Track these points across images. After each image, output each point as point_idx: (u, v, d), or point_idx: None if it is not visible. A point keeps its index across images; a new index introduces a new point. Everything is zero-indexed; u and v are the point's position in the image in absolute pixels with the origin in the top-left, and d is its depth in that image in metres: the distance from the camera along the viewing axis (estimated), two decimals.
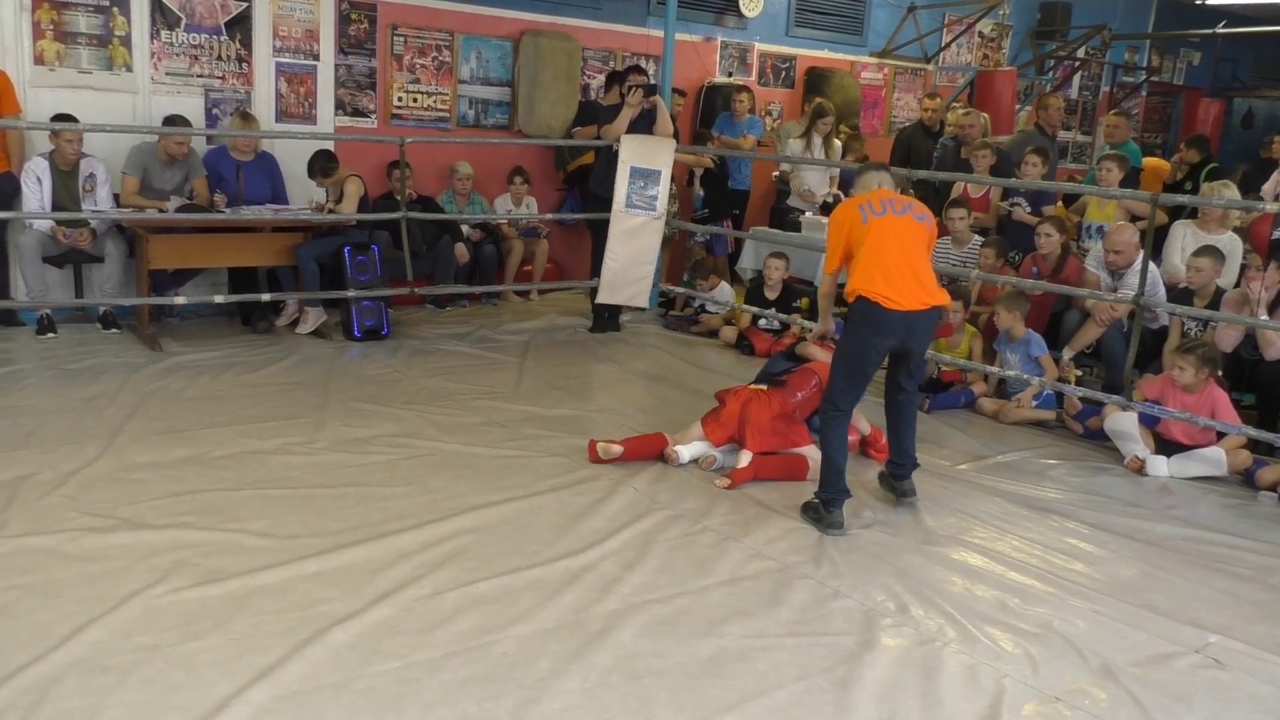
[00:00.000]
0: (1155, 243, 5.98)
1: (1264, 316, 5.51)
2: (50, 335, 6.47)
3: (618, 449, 4.81)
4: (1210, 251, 5.95)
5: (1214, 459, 5.20)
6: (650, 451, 4.91)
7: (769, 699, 3.00)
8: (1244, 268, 6.40)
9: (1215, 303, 5.85)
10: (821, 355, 5.10)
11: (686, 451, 4.89)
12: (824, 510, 4.28)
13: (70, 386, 5.51)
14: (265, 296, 6.83)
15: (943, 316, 4.51)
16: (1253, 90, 14.54)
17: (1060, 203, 7.72)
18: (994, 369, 6.10)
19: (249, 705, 2.79)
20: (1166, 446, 5.34)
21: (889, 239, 4.27)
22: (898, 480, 4.62)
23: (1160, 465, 5.24)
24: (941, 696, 3.07)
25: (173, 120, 6.80)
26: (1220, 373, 5.36)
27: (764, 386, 4.98)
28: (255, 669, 2.95)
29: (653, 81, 8.03)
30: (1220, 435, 5.27)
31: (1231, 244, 6.48)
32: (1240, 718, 3.10)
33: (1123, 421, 5.42)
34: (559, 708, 2.88)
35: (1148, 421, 5.42)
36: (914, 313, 4.22)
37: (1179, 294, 6.00)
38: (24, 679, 2.84)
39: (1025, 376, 5.95)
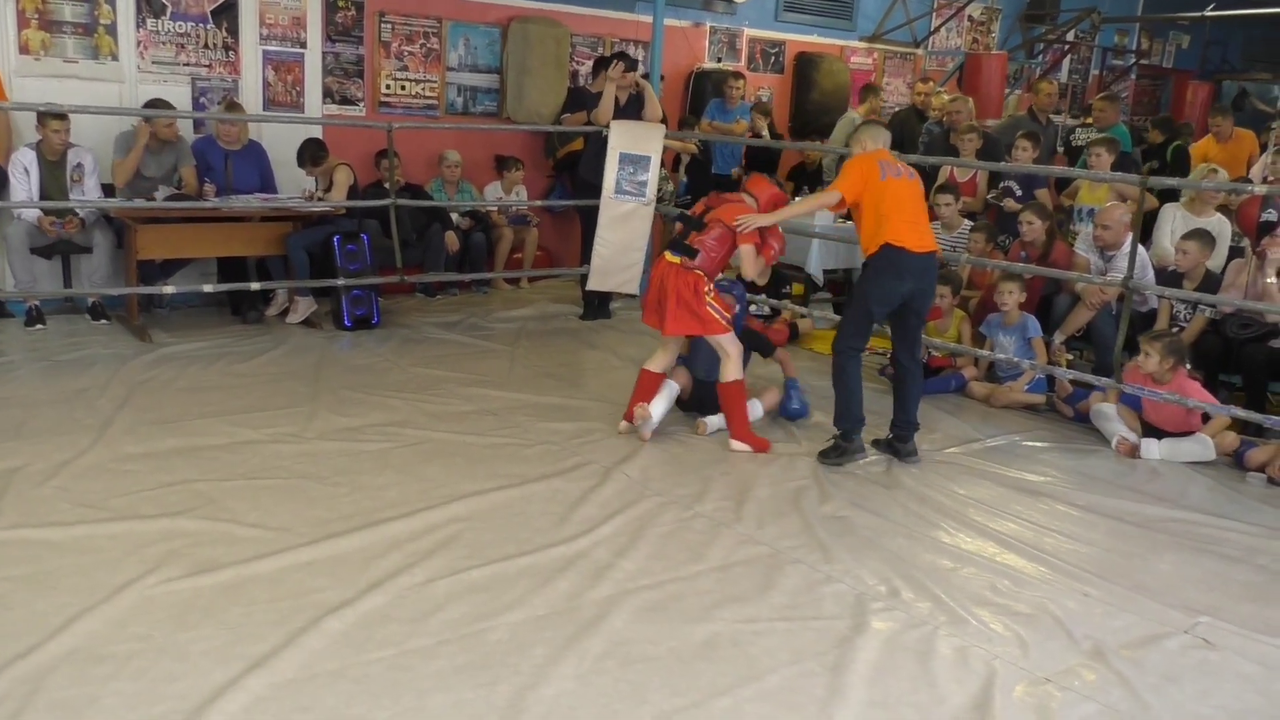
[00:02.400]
0: (1145, 225, 6.00)
1: (1273, 279, 5.56)
2: (39, 327, 6.45)
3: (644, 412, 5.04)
4: (1199, 235, 5.97)
5: (1202, 443, 5.22)
6: (651, 386, 5.09)
7: (762, 683, 3.02)
8: (1236, 249, 6.43)
9: (1204, 285, 5.87)
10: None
11: (655, 411, 5.02)
12: (844, 441, 4.85)
13: (60, 378, 5.50)
14: (255, 286, 6.81)
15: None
16: (1242, 73, 14.56)
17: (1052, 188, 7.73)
18: (985, 352, 6.11)
19: (245, 694, 2.80)
20: (1153, 433, 5.36)
21: (905, 197, 4.77)
22: (901, 443, 4.97)
23: (1152, 448, 5.27)
24: (933, 679, 3.10)
25: (155, 104, 6.75)
26: (1189, 365, 5.38)
27: (678, 259, 4.89)
28: (250, 658, 2.96)
29: (635, 59, 8.02)
30: (1205, 420, 5.30)
31: (1220, 226, 6.51)
32: (1229, 697, 3.12)
33: (1104, 407, 5.48)
34: (553, 694, 2.89)
35: (1135, 404, 5.45)
36: (928, 254, 4.77)
37: (1168, 277, 6.02)
38: (19, 669, 2.85)
39: (1016, 360, 5.97)
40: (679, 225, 5.04)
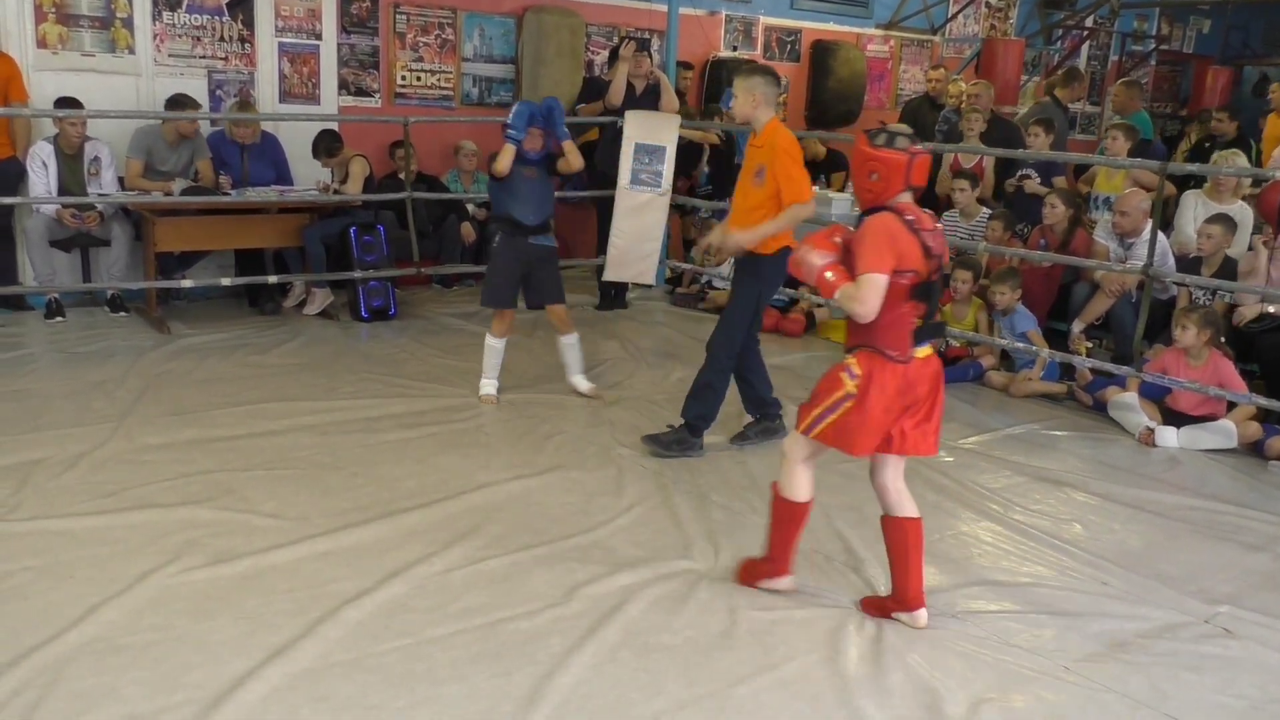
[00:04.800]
0: (1165, 212, 5.96)
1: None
2: (59, 319, 6.49)
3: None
4: (1223, 219, 5.93)
5: (1225, 431, 5.18)
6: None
7: (779, 672, 3.01)
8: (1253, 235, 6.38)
9: (1223, 271, 5.82)
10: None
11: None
12: (692, 434, 4.71)
13: (79, 370, 5.53)
14: (272, 278, 6.83)
15: None
16: (1263, 58, 14.39)
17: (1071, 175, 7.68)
18: (1002, 341, 6.08)
19: (262, 683, 2.81)
20: (1175, 418, 5.32)
21: None
22: (773, 420, 4.91)
23: (1170, 436, 5.23)
24: (951, 667, 3.08)
25: (177, 100, 6.78)
26: (1223, 339, 5.35)
27: (930, 349, 3.27)
28: (268, 648, 2.97)
29: (645, 36, 8.00)
30: (1230, 407, 5.26)
31: (1242, 213, 6.45)
32: (1250, 686, 3.10)
33: (1124, 397, 5.43)
34: (570, 683, 2.90)
35: (1155, 394, 5.41)
36: None
37: (1188, 264, 5.98)
38: (39, 659, 2.87)
39: (1034, 349, 5.93)
40: (924, 306, 3.20)
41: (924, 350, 3.20)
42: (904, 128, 3.22)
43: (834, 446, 3.24)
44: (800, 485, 3.35)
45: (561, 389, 5.57)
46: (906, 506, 3.32)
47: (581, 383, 5.48)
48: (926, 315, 3.18)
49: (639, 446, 4.76)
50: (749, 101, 4.47)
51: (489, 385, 5.33)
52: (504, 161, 5.13)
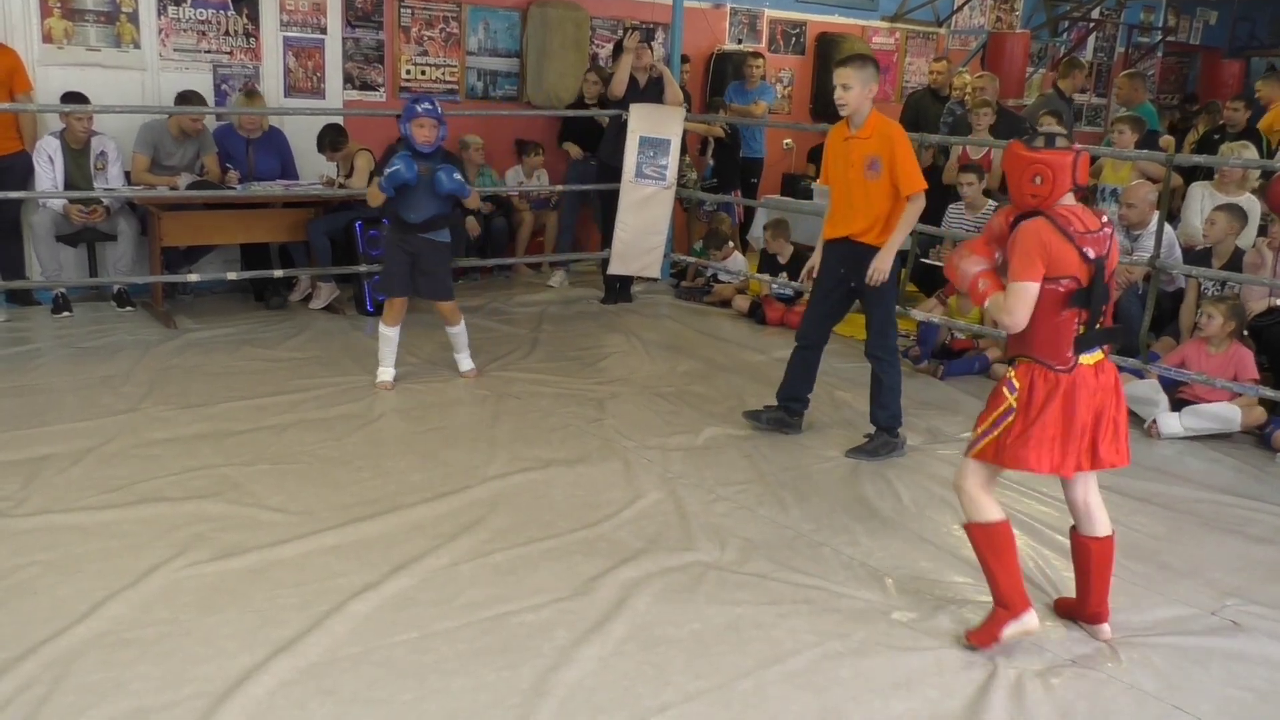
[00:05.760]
0: (1171, 204, 5.94)
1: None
2: (65, 314, 6.50)
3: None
4: (1229, 208, 5.92)
5: (1226, 416, 5.16)
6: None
7: (785, 665, 3.01)
8: (1262, 228, 6.35)
9: (1232, 263, 5.81)
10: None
11: None
12: (893, 437, 4.74)
13: (86, 364, 5.54)
14: (278, 273, 6.84)
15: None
16: (1271, 49, 14.33)
17: None
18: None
19: (270, 677, 2.82)
20: (1182, 406, 5.30)
21: None
22: (793, 415, 4.95)
23: (1173, 423, 5.21)
24: (957, 660, 3.08)
25: (186, 96, 6.78)
26: (1246, 332, 5.34)
27: (1098, 355, 3.13)
28: (275, 641, 2.98)
29: (649, 28, 8.00)
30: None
31: (1250, 204, 6.43)
32: (1257, 679, 3.10)
33: (1141, 387, 5.39)
34: (576, 676, 2.90)
35: (1168, 385, 5.39)
36: None
37: (1196, 256, 5.96)
38: (47, 653, 2.88)
39: None
40: (1085, 312, 3.06)
41: (1091, 357, 3.08)
42: (1058, 128, 3.22)
43: (1001, 465, 3.13)
44: (985, 505, 3.15)
45: (564, 384, 5.58)
46: (1097, 524, 3.26)
47: (464, 361, 5.63)
48: (1089, 321, 3.07)
49: (643, 439, 4.76)
50: (866, 94, 4.39)
51: (385, 373, 5.40)
52: (374, 199, 5.34)
